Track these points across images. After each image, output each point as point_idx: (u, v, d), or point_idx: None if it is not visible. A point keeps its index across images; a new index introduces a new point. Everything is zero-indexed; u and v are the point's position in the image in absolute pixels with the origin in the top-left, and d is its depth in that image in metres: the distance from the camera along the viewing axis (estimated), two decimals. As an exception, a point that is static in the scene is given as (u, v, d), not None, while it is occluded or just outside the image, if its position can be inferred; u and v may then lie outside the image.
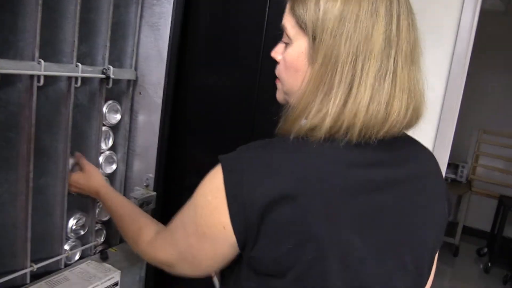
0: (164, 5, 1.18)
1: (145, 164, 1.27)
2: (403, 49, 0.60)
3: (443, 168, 1.66)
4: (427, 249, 0.69)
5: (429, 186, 0.69)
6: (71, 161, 1.11)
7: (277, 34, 0.69)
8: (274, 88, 0.73)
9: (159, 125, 1.23)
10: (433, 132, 1.63)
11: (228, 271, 0.71)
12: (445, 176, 2.78)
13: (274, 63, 1.16)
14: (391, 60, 0.59)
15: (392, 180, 0.63)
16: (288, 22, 0.66)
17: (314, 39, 0.61)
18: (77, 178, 1.10)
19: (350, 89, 0.58)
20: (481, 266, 3.72)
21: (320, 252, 0.58)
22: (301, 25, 0.63)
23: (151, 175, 1.26)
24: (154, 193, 1.26)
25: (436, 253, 0.74)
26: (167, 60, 1.20)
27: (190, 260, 0.71)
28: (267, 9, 1.17)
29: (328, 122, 0.59)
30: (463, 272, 3.58)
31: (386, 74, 0.59)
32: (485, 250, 3.89)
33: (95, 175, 1.10)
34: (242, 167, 0.61)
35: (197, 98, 1.32)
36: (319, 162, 0.60)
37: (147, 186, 1.27)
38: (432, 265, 0.73)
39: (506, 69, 3.99)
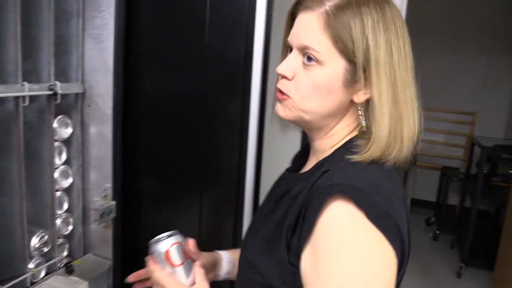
0: (105, 17, 1.19)
1: (102, 174, 1.28)
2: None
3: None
4: None
5: None
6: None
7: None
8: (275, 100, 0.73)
9: (111, 135, 1.25)
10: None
11: None
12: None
13: (224, 65, 1.22)
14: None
15: None
16: (320, 43, 0.64)
17: (364, 66, 0.63)
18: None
19: (413, 114, 0.66)
20: (430, 234, 3.98)
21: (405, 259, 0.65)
22: (342, 49, 0.63)
23: (109, 184, 1.28)
24: (114, 202, 1.28)
25: None
26: (113, 71, 1.21)
27: None
28: (207, 9, 1.21)
29: (406, 147, 0.66)
30: (414, 242, 3.81)
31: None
32: (433, 219, 4.16)
33: None
34: (375, 199, 0.60)
35: (147, 104, 1.34)
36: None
37: (105, 196, 1.28)
38: None
39: (442, 50, 4.26)
